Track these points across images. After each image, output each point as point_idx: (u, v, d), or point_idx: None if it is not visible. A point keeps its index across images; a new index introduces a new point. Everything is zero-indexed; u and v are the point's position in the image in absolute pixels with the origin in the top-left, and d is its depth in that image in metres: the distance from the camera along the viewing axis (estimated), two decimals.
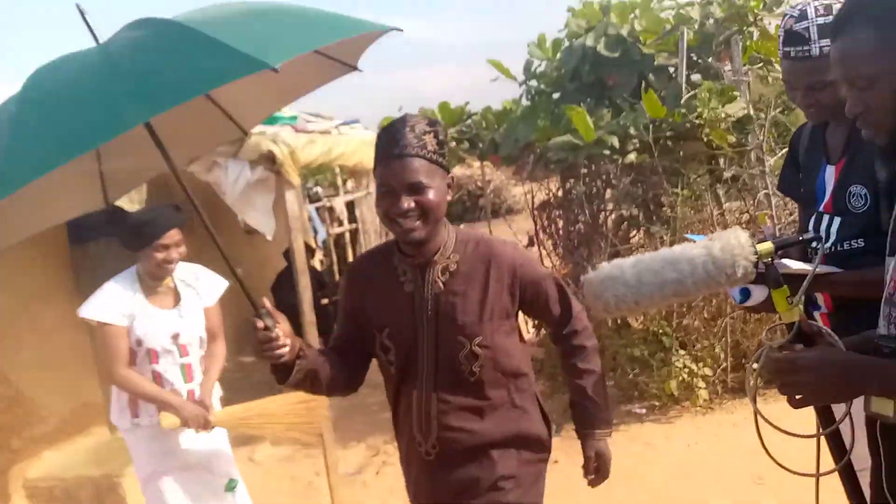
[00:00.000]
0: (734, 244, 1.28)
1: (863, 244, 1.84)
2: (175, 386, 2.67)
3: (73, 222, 4.54)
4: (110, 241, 3.30)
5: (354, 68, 2.09)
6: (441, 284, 1.70)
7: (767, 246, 1.34)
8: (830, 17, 1.76)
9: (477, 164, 6.29)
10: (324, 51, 1.92)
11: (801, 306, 1.31)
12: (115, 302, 2.61)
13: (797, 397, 1.14)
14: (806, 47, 1.80)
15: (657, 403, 4.41)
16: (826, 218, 1.93)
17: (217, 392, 2.86)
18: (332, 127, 4.30)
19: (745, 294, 1.78)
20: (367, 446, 4.29)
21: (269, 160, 3.27)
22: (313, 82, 2.14)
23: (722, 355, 4.41)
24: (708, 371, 4.36)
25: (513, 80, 5.37)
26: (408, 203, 1.58)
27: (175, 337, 2.66)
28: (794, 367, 1.13)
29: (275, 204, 3.41)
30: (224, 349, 2.87)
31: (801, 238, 1.64)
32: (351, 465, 3.87)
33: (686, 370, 4.30)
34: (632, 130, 4.18)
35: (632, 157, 4.33)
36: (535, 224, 5.52)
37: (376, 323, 1.75)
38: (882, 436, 1.17)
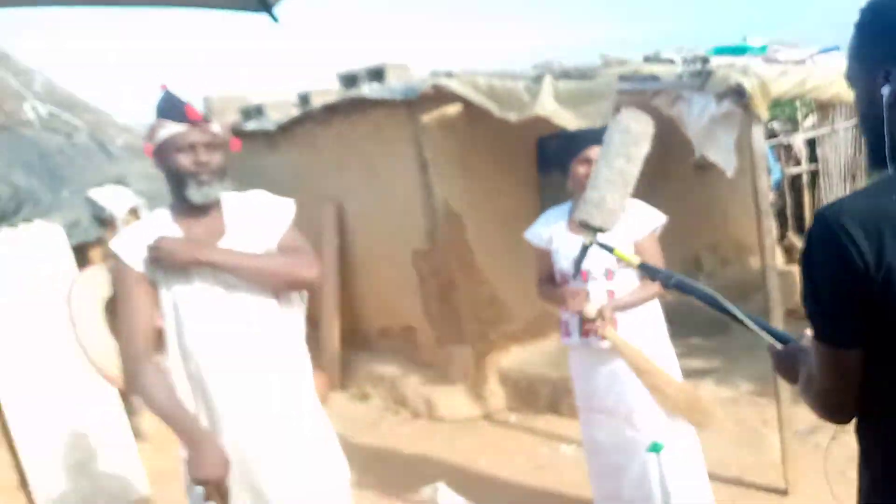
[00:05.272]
0: None
1: None
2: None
3: (540, 153, 5.18)
4: None
5: None
6: None
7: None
8: None
9: None
10: None
11: None
12: (539, 226, 2.83)
13: None
14: None
15: None
16: None
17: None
18: (806, 56, 3.89)
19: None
20: None
21: (737, 93, 3.12)
22: None
23: None
24: None
25: None
26: None
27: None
28: None
29: (738, 140, 3.27)
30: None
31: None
32: (804, 423, 3.53)
33: None
34: None
35: None
36: None
37: None
38: None
